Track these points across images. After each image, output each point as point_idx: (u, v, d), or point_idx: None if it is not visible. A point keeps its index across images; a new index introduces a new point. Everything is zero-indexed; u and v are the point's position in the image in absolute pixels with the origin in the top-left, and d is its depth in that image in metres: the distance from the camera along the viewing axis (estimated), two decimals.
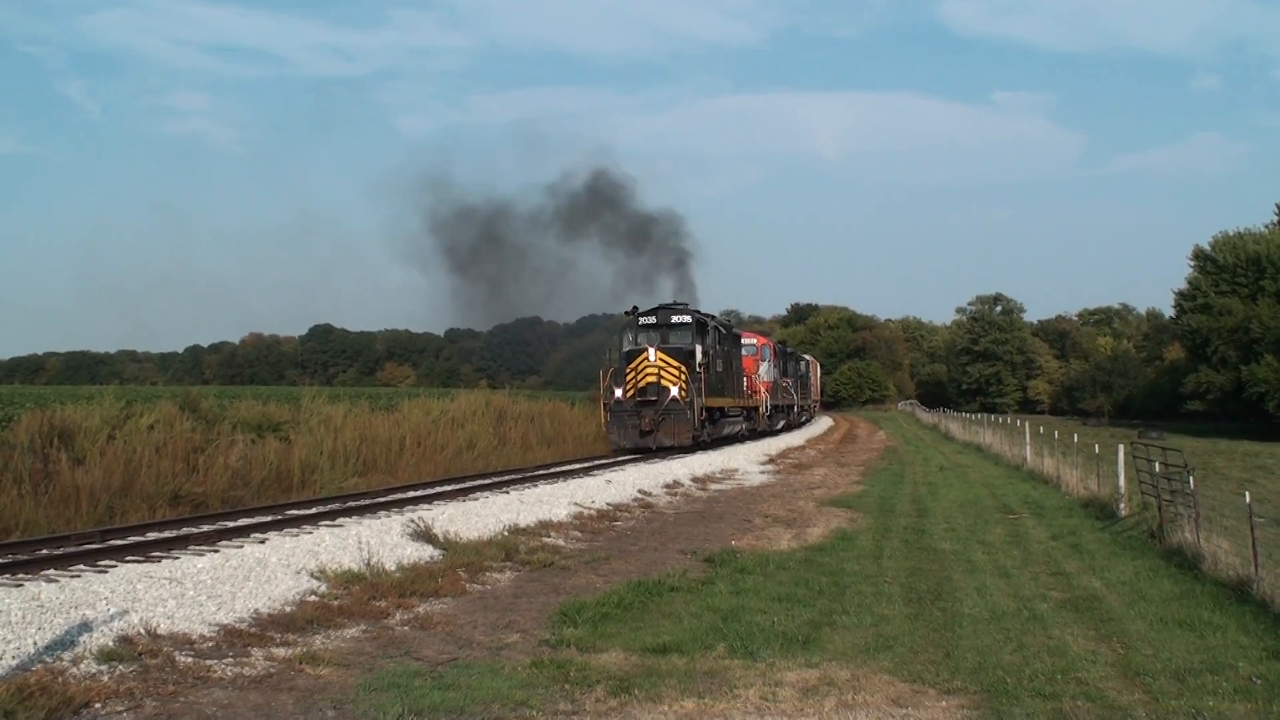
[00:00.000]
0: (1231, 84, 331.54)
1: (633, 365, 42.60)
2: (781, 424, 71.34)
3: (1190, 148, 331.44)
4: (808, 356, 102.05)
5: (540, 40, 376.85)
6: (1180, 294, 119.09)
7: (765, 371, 63.35)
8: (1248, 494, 17.72)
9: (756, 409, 58.62)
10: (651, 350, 42.37)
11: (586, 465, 38.17)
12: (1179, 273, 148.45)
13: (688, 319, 44.58)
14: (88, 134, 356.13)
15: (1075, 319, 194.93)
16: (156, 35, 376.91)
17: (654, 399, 41.53)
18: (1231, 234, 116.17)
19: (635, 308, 45.19)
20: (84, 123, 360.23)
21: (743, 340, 58.88)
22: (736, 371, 52.67)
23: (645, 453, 41.88)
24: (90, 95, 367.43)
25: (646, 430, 41.49)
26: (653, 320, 44.61)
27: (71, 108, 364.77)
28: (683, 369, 41.91)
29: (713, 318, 49.13)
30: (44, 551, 17.38)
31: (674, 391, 41.38)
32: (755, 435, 58.84)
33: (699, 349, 42.97)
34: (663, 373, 41.91)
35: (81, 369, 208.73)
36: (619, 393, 42.46)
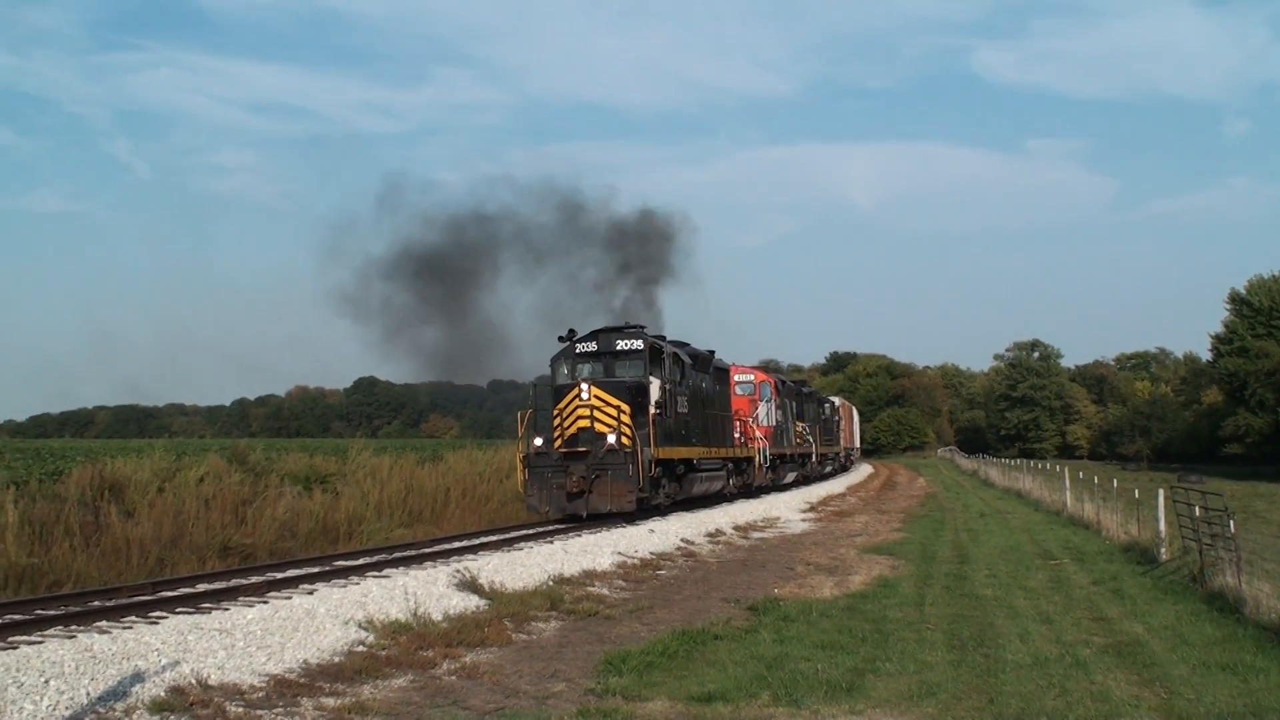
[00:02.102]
0: (1262, 128, 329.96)
1: (560, 406, 32.70)
2: (792, 476, 58.37)
3: (1222, 191, 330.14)
4: (835, 399, 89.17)
5: (576, 95, 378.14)
6: (1217, 337, 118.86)
7: (765, 414, 51.80)
8: None
9: (749, 460, 46.75)
10: (584, 386, 32.44)
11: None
12: (1215, 316, 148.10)
13: (638, 345, 34.45)
14: (134, 191, 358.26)
15: (1113, 363, 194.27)
16: (201, 94, 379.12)
17: (585, 449, 31.51)
18: (1266, 277, 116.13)
19: (571, 331, 35.12)
20: (131, 180, 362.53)
21: (735, 376, 49.97)
22: (719, 414, 42.38)
23: (576, 522, 31.75)
24: (136, 154, 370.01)
25: (574, 492, 31.14)
26: (592, 347, 34.87)
27: (118, 166, 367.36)
28: (625, 409, 31.77)
29: (683, 346, 39.34)
30: (96, 603, 17.43)
31: (610, 439, 31.33)
32: (748, 493, 47.29)
33: (654, 384, 33.83)
34: (597, 414, 31.93)
35: (131, 422, 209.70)
36: (539, 441, 32.52)
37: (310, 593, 18.35)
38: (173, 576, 21.32)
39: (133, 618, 15.98)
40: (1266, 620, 16.73)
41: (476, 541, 26.56)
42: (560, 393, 33.21)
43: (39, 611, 16.65)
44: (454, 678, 13.83)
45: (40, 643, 14.00)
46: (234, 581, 19.77)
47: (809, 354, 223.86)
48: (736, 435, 45.27)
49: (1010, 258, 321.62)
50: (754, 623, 17.47)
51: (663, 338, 37.50)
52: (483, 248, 53.25)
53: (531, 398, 34.41)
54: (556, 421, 32.61)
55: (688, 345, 40.02)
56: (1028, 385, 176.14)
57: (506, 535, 28.01)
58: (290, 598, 17.83)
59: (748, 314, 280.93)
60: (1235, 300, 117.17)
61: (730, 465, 43.43)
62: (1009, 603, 19.84)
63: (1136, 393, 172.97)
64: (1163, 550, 25.36)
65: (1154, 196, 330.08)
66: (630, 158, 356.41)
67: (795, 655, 14.78)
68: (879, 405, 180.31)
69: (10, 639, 14.32)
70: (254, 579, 19.79)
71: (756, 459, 47.74)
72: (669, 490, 34.94)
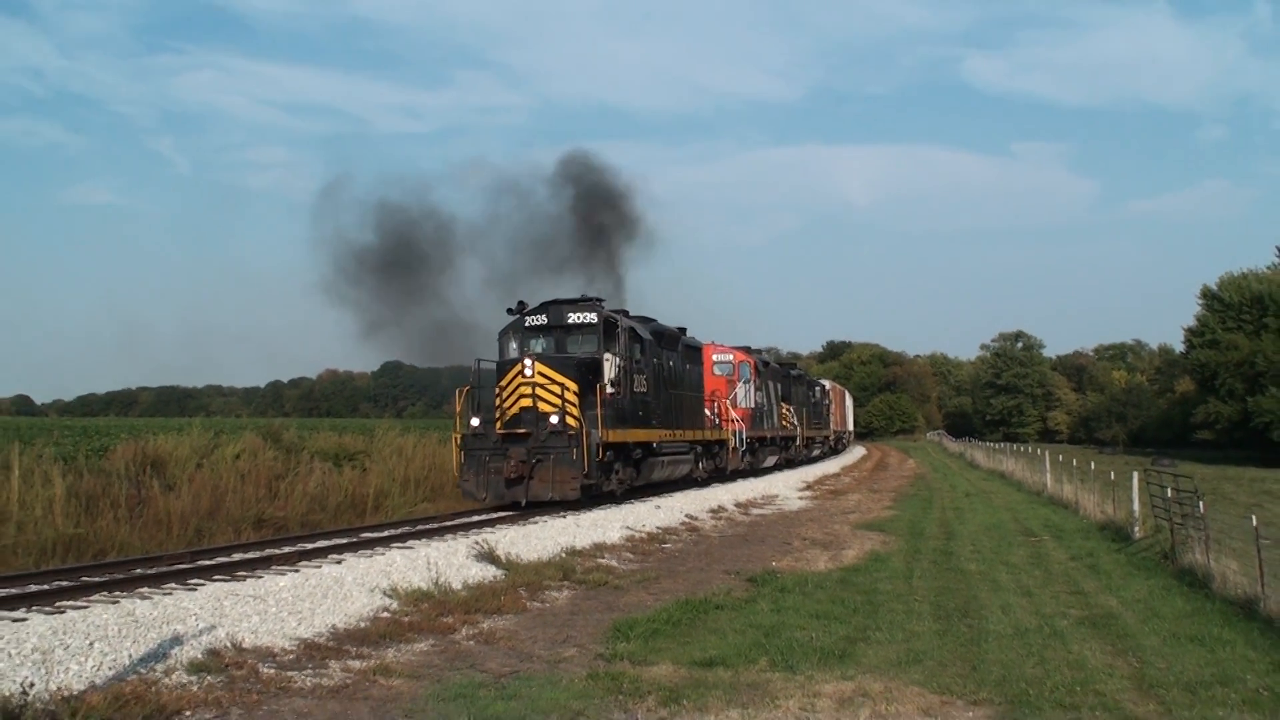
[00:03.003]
0: (1236, 134, 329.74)
1: (503, 383, 28.59)
2: (773, 460, 53.31)
3: (1197, 193, 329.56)
4: (826, 382, 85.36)
5: (592, 98, 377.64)
6: (1190, 330, 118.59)
7: (744, 395, 46.89)
8: (1254, 517, 17.63)
9: (723, 444, 42.20)
10: (528, 361, 28.29)
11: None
12: (1188, 310, 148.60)
13: (591, 318, 30.49)
14: (176, 186, 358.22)
15: (1091, 354, 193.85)
16: (239, 94, 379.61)
17: (526, 431, 27.44)
18: (1237, 274, 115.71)
19: (521, 304, 31.27)
20: (173, 175, 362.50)
21: (712, 356, 45.76)
22: (689, 394, 37.71)
23: (517, 510, 27.95)
24: (179, 150, 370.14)
25: (513, 478, 26.95)
26: (542, 320, 30.89)
27: (161, 161, 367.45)
28: (572, 388, 27.74)
29: (648, 321, 35.07)
30: (138, 571, 17.47)
31: (553, 420, 27.19)
32: (721, 477, 42.82)
33: (609, 360, 29.55)
34: (541, 393, 27.82)
35: (172, 402, 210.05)
36: (475, 421, 28.32)
37: (338, 562, 18.40)
38: (210, 546, 21.37)
39: (172, 584, 16.02)
40: (1233, 595, 16.75)
41: (494, 516, 26.60)
42: (503, 369, 29.01)
43: (85, 579, 16.69)
44: (472, 643, 13.85)
45: (86, 607, 14.02)
46: (267, 551, 19.80)
47: (807, 343, 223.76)
48: (710, 417, 41.07)
49: (997, 254, 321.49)
50: (753, 593, 17.50)
51: (624, 312, 33.36)
52: (440, 233, 46.71)
53: (474, 374, 29.15)
54: (499, 401, 28.36)
55: (653, 321, 35.52)
56: (1012, 374, 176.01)
57: (522, 510, 27.88)
58: (320, 567, 17.88)
59: (750, 305, 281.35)
60: (1207, 295, 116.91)
61: (699, 449, 38.90)
62: (992, 577, 19.86)
63: (1114, 381, 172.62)
64: (1136, 529, 25.35)
65: (1133, 198, 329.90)
66: (642, 157, 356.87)
67: (791, 624, 14.81)
68: (872, 391, 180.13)
69: (57, 604, 14.37)
70: (286, 549, 19.82)
71: (730, 442, 42.96)
72: (623, 476, 30.56)
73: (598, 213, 45.79)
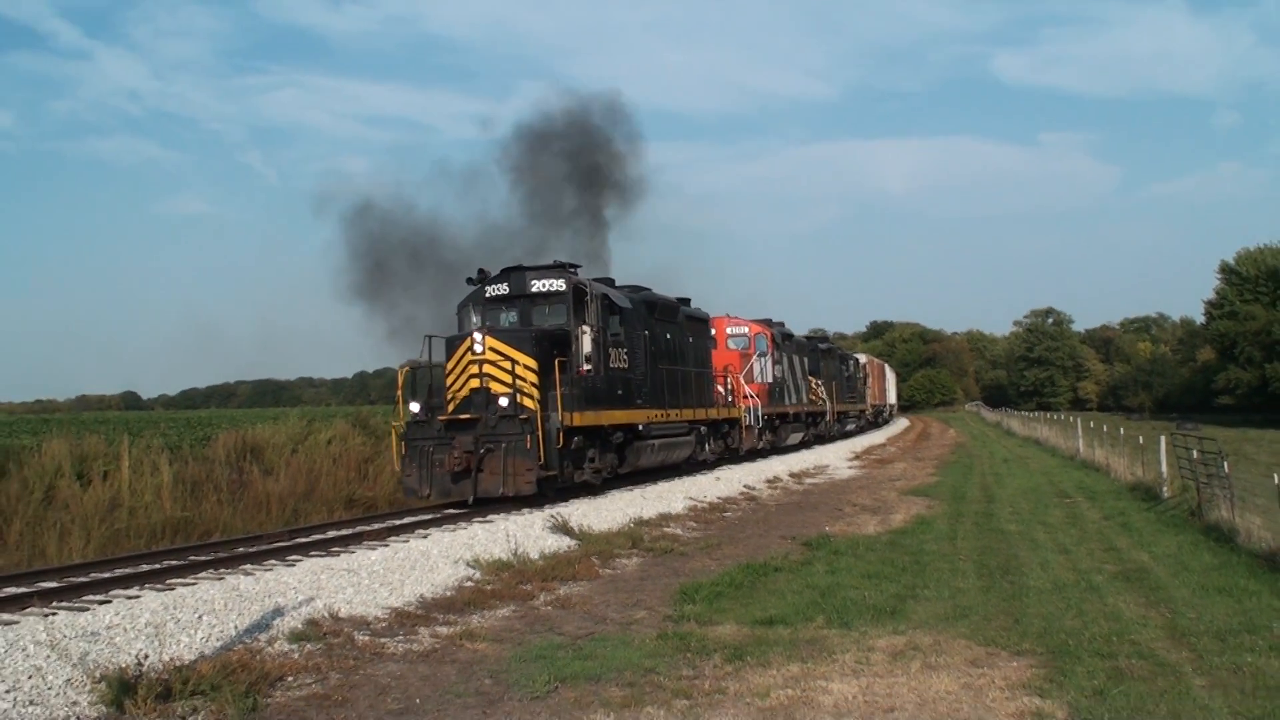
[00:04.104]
0: (1250, 119, 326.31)
1: (451, 362, 23.60)
2: (798, 438, 48.03)
3: (1214, 175, 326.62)
4: (861, 356, 77.46)
5: (648, 102, 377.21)
6: (1210, 303, 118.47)
7: (760, 370, 41.61)
8: (1276, 476, 17.48)
9: (735, 422, 36.67)
10: (478, 335, 23.19)
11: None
12: (1208, 284, 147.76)
13: (559, 285, 25.03)
14: (265, 195, 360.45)
15: (1118, 327, 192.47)
16: (321, 110, 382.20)
17: (474, 416, 22.43)
18: (1253, 249, 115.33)
19: (481, 272, 25.90)
20: (262, 186, 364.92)
21: (726, 329, 41.46)
22: (692, 370, 32.46)
23: (466, 507, 22.71)
24: (266, 163, 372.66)
25: (457, 470, 21.99)
26: (503, 289, 25.51)
27: (251, 174, 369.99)
28: (529, 365, 22.69)
29: (640, 290, 30.08)
30: (240, 550, 17.57)
31: (503, 402, 22.13)
32: (735, 459, 37.43)
33: (583, 332, 24.73)
34: (491, 370, 22.80)
35: (267, 394, 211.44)
36: (415, 407, 23.28)
37: (425, 537, 18.46)
38: (306, 525, 21.45)
39: (272, 561, 16.10)
40: (1258, 549, 16.58)
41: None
42: (452, 346, 23.84)
43: (192, 558, 16.77)
44: (550, 608, 13.87)
45: (194, 584, 14.13)
46: (358, 528, 19.85)
47: (852, 323, 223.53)
48: (722, 393, 36.16)
49: (1027, 236, 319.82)
50: (808, 556, 17.43)
51: (609, 280, 28.53)
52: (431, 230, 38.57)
53: (425, 350, 23.93)
54: (449, 382, 23.50)
55: (646, 290, 30.43)
56: (1044, 347, 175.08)
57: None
58: (408, 541, 17.94)
59: (799, 290, 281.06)
60: (1225, 270, 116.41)
61: (703, 429, 33.32)
62: (1030, 536, 19.72)
63: (1139, 352, 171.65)
64: (1165, 489, 25.12)
65: (1154, 181, 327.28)
66: (695, 156, 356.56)
67: (845, 584, 14.74)
68: (914, 367, 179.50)
69: (168, 581, 14.48)
70: (376, 526, 19.84)
71: (743, 419, 37.42)
72: (600, 464, 25.28)
73: (588, 174, 38.61)
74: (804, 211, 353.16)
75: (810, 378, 51.10)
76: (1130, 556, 17.19)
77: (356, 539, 18.25)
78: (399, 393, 23.99)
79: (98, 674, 9.62)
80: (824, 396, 53.37)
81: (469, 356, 23.11)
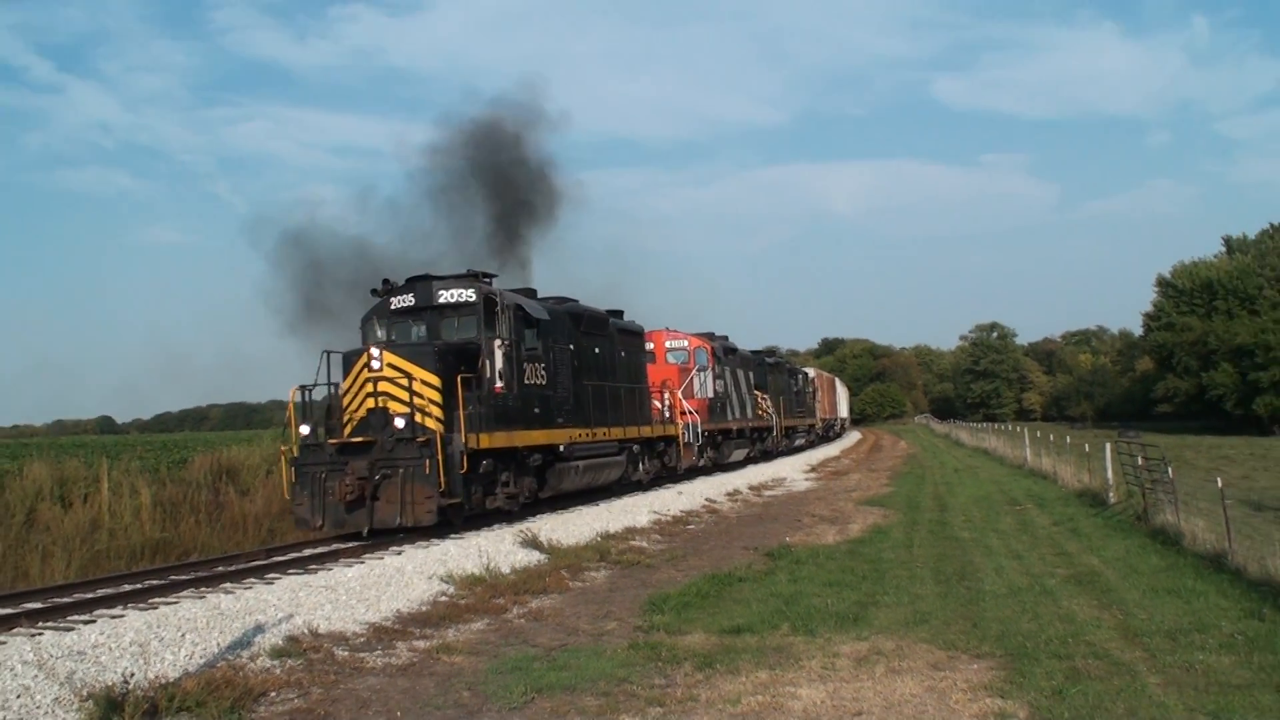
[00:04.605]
0: (1179, 138, 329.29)
1: (348, 380, 21.17)
2: (741, 454, 44.73)
3: (1148, 192, 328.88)
4: (810, 370, 74.23)
5: (602, 130, 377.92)
6: (1147, 315, 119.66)
7: (700, 385, 38.54)
8: (1219, 480, 17.62)
9: (671, 439, 33.83)
10: (375, 350, 20.78)
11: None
12: (1145, 297, 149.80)
13: (469, 295, 22.49)
14: (233, 225, 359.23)
15: (1059, 340, 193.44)
16: (288, 140, 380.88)
17: (369, 439, 20.02)
18: (1188, 263, 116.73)
19: (386, 282, 23.37)
20: (231, 215, 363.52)
21: (665, 342, 38.77)
22: (625, 386, 29.74)
23: (364, 540, 19.99)
24: (235, 192, 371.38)
25: (351, 499, 19.53)
26: (409, 301, 22.96)
27: (220, 203, 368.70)
28: (430, 381, 20.40)
29: (566, 301, 27.60)
30: (220, 569, 17.42)
31: (399, 423, 19.84)
32: (673, 478, 34.56)
33: (494, 346, 21.84)
34: (388, 388, 20.39)
35: (239, 417, 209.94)
36: (305, 430, 20.82)
37: (399, 554, 18.35)
38: (283, 544, 21.26)
39: (252, 579, 15.98)
40: (1203, 550, 16.73)
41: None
42: (349, 363, 21.28)
43: (173, 577, 16.64)
44: (523, 620, 13.82)
45: (176, 603, 14.02)
46: (335, 546, 19.72)
47: (804, 340, 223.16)
48: (660, 409, 33.47)
49: (971, 254, 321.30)
50: (771, 566, 17.43)
51: (530, 291, 25.98)
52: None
53: (324, 368, 21.36)
54: (346, 402, 21.11)
55: (571, 301, 27.81)
56: (989, 360, 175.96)
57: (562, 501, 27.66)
58: (382, 558, 17.83)
59: (753, 308, 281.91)
60: (1162, 283, 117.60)
61: (637, 448, 30.57)
62: (984, 543, 19.80)
63: (1080, 364, 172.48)
64: (1111, 494, 25.27)
65: (1090, 199, 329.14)
66: (649, 181, 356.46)
67: (808, 592, 14.75)
68: (864, 381, 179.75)
69: (151, 600, 14.35)
70: (351, 544, 19.72)
71: (680, 437, 34.54)
72: (514, 489, 22.77)
73: (497, 179, 33.92)
74: (756, 232, 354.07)
75: (756, 392, 48.11)
76: (1081, 560, 17.28)
77: (333, 556, 18.12)
78: (289, 415, 21.57)
79: (85, 692, 9.54)
80: (771, 411, 50.49)
81: (365, 374, 20.72)
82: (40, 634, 12.13)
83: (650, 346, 36.59)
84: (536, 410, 23.47)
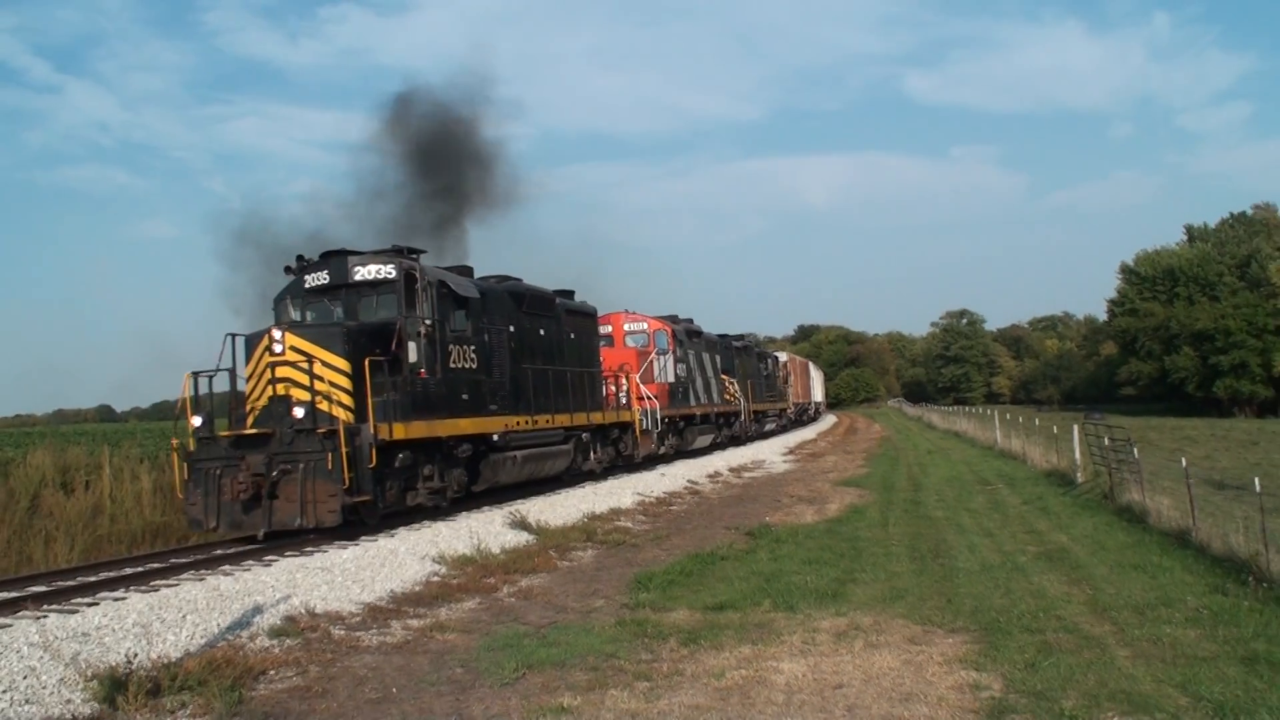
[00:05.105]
0: (1141, 130, 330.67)
1: (250, 365, 18.43)
2: (708, 439, 41.55)
3: (1111, 183, 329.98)
4: (782, 355, 70.38)
5: (584, 125, 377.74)
6: (1112, 301, 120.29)
7: (662, 369, 35.44)
8: (1184, 460, 17.67)
9: (625, 427, 30.87)
10: (276, 332, 17.89)
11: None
12: (1109, 284, 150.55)
13: (388, 271, 19.64)
14: (227, 219, 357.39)
15: (1027, 326, 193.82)
16: (281, 137, 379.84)
17: (267, 431, 17.39)
18: (1150, 251, 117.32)
19: (301, 259, 20.51)
20: (225, 210, 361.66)
21: (624, 325, 36.51)
22: (573, 370, 26.78)
23: (261, 543, 17.62)
24: (229, 187, 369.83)
25: (246, 498, 17.04)
26: (323, 279, 20.13)
27: (215, 198, 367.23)
28: (338, 365, 17.76)
29: (508, 280, 25.00)
30: (219, 551, 17.34)
31: (299, 413, 17.11)
32: (630, 466, 31.81)
33: (415, 327, 19.25)
34: (292, 374, 17.68)
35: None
36: (197, 421, 17.88)
37: (392, 535, 18.26)
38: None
39: (250, 561, 15.90)
40: (1167, 528, 16.79)
41: (526, 490, 26.29)
42: (251, 346, 18.50)
43: (173, 560, 16.60)
44: (513, 599, 13.81)
45: (176, 585, 13.96)
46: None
47: (780, 328, 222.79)
48: (616, 394, 30.76)
49: (942, 243, 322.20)
50: (752, 545, 17.44)
51: (466, 269, 23.28)
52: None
53: (228, 352, 18.64)
54: (249, 390, 18.43)
55: (513, 280, 25.15)
56: (959, 346, 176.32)
57: (549, 484, 27.53)
58: (376, 540, 17.74)
59: (731, 296, 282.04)
60: (1126, 271, 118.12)
61: (587, 435, 27.76)
62: (957, 521, 19.84)
63: (1047, 349, 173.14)
64: (1079, 474, 25.32)
65: (1056, 189, 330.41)
66: (629, 174, 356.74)
67: (788, 570, 14.77)
68: (839, 366, 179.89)
69: (152, 583, 14.30)
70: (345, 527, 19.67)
71: (637, 424, 31.53)
72: (438, 484, 20.20)
73: (438, 159, 31.38)
74: (733, 224, 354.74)
75: (724, 376, 45.07)
76: (1050, 538, 17.32)
77: (328, 538, 18.06)
78: (183, 404, 18.29)
79: (89, 673, 9.50)
80: (739, 395, 47.37)
81: (267, 358, 17.94)
82: (45, 616, 12.08)
83: (608, 330, 35.09)
84: (465, 397, 20.83)
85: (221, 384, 18.92)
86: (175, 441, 18.71)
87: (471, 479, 21.71)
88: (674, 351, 36.58)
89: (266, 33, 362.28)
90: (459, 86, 36.78)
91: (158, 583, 14.31)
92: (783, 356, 70.09)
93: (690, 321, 41.39)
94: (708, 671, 9.65)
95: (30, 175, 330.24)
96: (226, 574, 14.76)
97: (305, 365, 17.54)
